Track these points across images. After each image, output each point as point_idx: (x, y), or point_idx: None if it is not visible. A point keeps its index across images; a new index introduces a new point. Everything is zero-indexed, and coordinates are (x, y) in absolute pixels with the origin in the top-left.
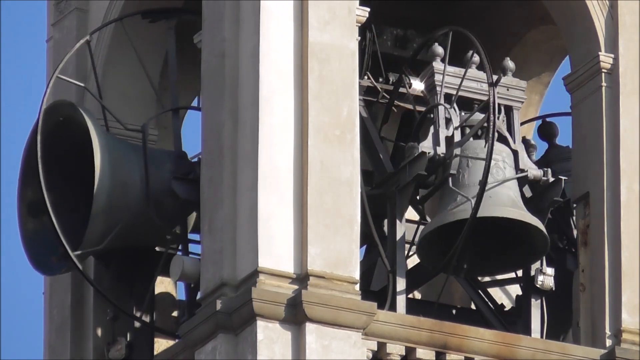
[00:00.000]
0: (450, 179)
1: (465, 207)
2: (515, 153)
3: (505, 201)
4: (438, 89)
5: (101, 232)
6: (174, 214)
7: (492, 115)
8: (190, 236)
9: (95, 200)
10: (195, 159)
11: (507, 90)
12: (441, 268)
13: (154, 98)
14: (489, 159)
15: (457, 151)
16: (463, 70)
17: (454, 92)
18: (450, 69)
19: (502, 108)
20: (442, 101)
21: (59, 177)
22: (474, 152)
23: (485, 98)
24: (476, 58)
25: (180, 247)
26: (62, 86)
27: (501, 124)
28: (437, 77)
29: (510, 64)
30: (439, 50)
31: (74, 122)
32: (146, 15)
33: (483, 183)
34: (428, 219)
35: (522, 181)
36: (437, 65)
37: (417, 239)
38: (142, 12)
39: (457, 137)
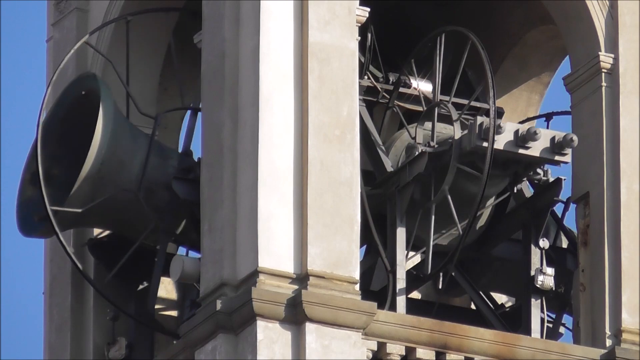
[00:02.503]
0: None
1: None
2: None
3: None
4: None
5: (85, 197)
6: (164, 206)
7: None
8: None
9: (87, 164)
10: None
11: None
12: (440, 269)
13: (154, 97)
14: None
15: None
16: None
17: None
18: None
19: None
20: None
21: (74, 150)
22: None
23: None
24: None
25: (158, 245)
26: (62, 85)
27: None
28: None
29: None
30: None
31: (95, 95)
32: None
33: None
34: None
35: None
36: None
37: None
38: (149, 10)
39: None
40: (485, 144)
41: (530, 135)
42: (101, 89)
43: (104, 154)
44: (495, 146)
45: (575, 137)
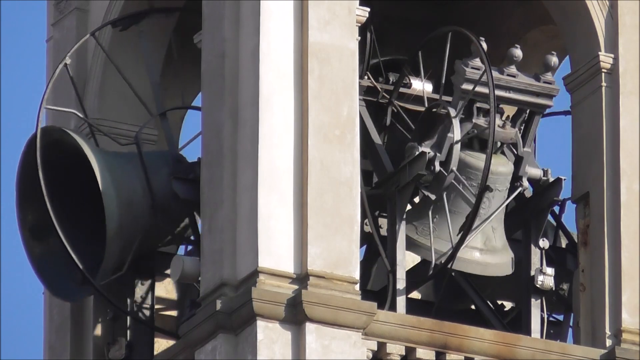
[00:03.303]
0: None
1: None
2: (519, 159)
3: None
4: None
5: (118, 255)
6: (180, 215)
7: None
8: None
9: (108, 228)
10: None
11: (537, 96)
12: (440, 268)
13: (153, 98)
14: (478, 200)
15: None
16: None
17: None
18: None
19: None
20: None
21: (52, 196)
22: (471, 171)
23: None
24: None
25: (186, 246)
26: (61, 86)
27: (513, 134)
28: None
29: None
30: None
31: (63, 142)
32: (116, 25)
33: (466, 231)
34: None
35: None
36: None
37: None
38: (111, 22)
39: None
40: (477, 71)
41: (510, 55)
42: (84, 145)
43: (116, 210)
44: (484, 81)
45: (554, 52)
